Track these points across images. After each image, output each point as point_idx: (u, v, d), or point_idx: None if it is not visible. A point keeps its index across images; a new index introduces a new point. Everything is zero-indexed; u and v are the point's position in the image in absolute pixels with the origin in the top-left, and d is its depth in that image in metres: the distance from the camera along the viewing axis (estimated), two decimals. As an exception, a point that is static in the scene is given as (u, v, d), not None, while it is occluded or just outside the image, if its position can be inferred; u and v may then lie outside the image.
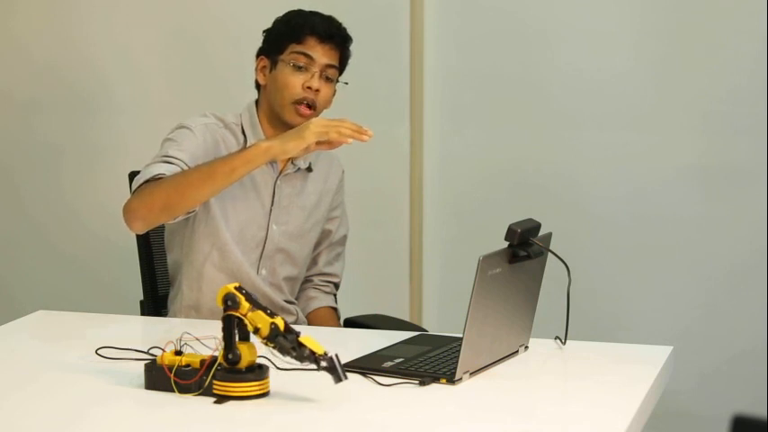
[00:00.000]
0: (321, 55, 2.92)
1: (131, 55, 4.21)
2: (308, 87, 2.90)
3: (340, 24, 2.98)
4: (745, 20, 3.73)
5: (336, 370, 2.13)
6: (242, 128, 2.97)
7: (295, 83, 2.91)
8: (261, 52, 2.99)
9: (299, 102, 2.90)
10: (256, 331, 2.16)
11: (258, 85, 3.00)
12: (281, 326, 2.16)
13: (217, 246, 2.93)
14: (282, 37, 2.94)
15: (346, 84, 2.98)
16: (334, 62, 2.94)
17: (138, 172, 2.88)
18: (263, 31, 3.01)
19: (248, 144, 2.92)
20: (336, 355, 2.14)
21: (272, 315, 2.16)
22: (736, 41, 3.75)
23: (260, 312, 2.16)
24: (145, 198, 2.75)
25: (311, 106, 2.91)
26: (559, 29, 3.88)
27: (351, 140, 2.71)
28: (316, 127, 2.72)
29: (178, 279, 3.01)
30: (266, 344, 2.17)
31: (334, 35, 2.94)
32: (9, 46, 4.33)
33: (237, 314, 2.15)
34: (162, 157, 2.84)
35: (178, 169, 2.80)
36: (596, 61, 3.87)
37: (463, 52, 3.96)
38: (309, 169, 3.03)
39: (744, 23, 3.74)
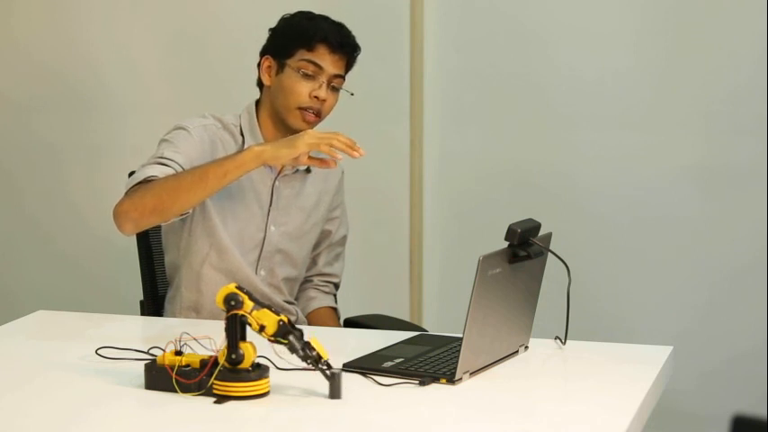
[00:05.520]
0: (330, 65, 2.91)
1: (131, 55, 4.21)
2: (315, 97, 2.90)
3: (350, 33, 2.96)
4: (745, 20, 3.73)
5: (338, 385, 2.16)
6: (240, 129, 2.97)
7: (302, 90, 2.90)
8: (266, 51, 2.98)
9: (304, 108, 2.90)
10: (262, 329, 2.16)
11: (260, 84, 3.00)
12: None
13: (215, 246, 2.93)
14: (292, 41, 2.93)
15: (352, 95, 2.97)
16: (342, 72, 2.94)
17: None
18: (270, 29, 3.00)
19: (245, 146, 2.92)
20: (341, 370, 2.18)
21: (277, 313, 2.17)
22: (736, 41, 3.75)
23: (265, 310, 2.17)
24: (136, 200, 2.73)
25: (317, 114, 2.91)
26: (559, 29, 3.88)
27: (341, 156, 2.71)
28: (309, 138, 2.71)
29: (176, 280, 3.00)
30: (275, 341, 2.17)
31: (345, 45, 2.93)
32: (9, 46, 4.33)
33: (242, 313, 2.16)
34: (157, 158, 2.83)
35: (172, 171, 2.78)
36: (596, 61, 3.87)
37: (463, 52, 3.96)
38: (308, 170, 3.03)
39: (744, 23, 3.74)
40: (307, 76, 2.90)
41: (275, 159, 2.73)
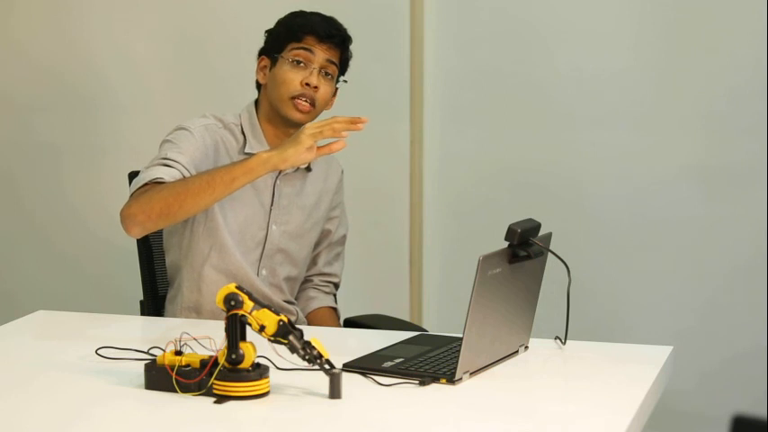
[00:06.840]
0: (320, 52, 2.92)
1: (131, 55, 4.21)
2: (307, 84, 2.90)
3: (340, 25, 2.98)
4: (745, 20, 3.73)
5: (338, 385, 2.16)
6: (241, 128, 2.97)
7: (294, 78, 2.91)
8: (262, 52, 3.01)
9: (297, 97, 2.91)
10: (262, 329, 2.16)
11: (259, 86, 3.01)
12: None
13: (216, 247, 2.93)
14: (283, 37, 2.95)
15: (345, 81, 2.99)
16: (334, 59, 2.95)
17: (137, 172, 2.88)
18: (265, 32, 3.01)
19: (247, 145, 2.94)
20: (341, 370, 2.18)
21: (277, 313, 2.17)
22: (736, 41, 3.75)
23: (265, 310, 2.17)
24: (143, 204, 2.74)
25: (311, 103, 2.91)
26: (559, 28, 3.89)
27: (346, 134, 2.71)
28: (309, 130, 2.71)
29: (177, 280, 3.01)
30: (275, 341, 2.17)
31: (334, 35, 2.95)
32: (9, 47, 4.33)
33: (242, 313, 2.16)
34: (161, 159, 2.83)
35: (177, 172, 2.80)
36: (596, 61, 3.87)
37: (463, 52, 3.96)
38: (308, 169, 3.04)
39: (744, 23, 3.74)
40: (298, 65, 2.91)
41: (283, 162, 2.73)
